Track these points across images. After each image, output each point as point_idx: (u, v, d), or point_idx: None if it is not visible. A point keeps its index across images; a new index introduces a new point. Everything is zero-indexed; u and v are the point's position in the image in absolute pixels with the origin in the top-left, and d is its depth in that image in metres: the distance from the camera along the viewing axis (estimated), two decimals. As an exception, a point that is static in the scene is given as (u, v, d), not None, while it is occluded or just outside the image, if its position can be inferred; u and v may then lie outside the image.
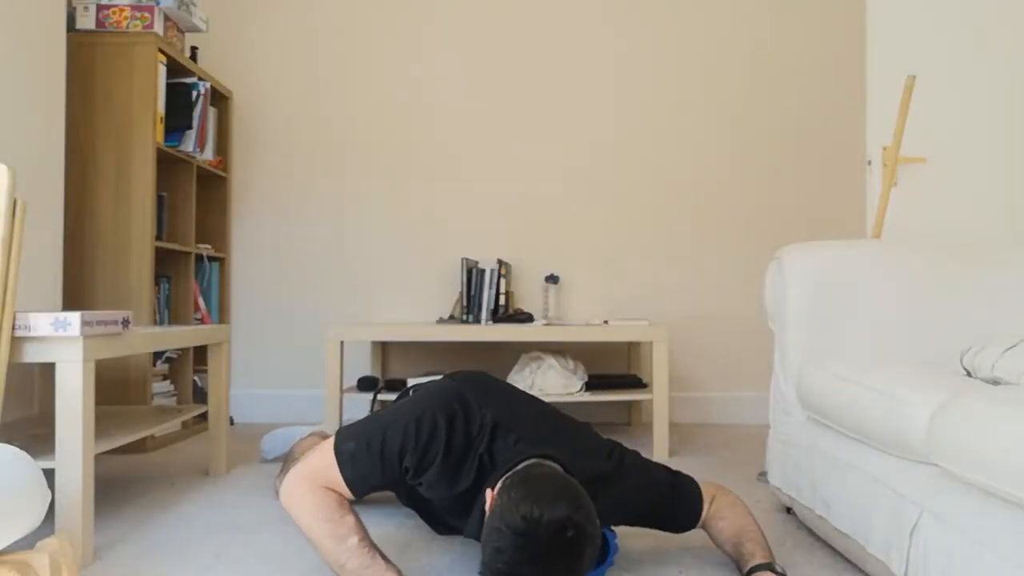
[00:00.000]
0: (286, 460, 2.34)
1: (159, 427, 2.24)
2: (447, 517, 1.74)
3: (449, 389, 1.63)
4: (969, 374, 1.68)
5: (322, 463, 1.56)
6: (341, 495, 1.54)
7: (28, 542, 1.36)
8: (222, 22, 3.64)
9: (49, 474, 1.48)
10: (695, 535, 1.74)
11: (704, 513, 1.70)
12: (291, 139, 3.70)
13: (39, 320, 1.66)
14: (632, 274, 3.67)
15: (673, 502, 1.70)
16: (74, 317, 1.67)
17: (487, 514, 1.39)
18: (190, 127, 3.12)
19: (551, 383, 3.07)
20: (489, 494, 1.44)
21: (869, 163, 3.62)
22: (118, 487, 2.35)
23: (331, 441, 1.59)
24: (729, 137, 3.68)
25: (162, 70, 2.96)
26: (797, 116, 3.68)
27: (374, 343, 3.58)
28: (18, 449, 1.33)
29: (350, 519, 1.51)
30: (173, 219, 3.20)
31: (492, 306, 3.40)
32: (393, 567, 1.48)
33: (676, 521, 1.71)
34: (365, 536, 1.51)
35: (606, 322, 3.28)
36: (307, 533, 1.53)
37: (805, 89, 3.68)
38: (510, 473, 1.45)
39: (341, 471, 1.54)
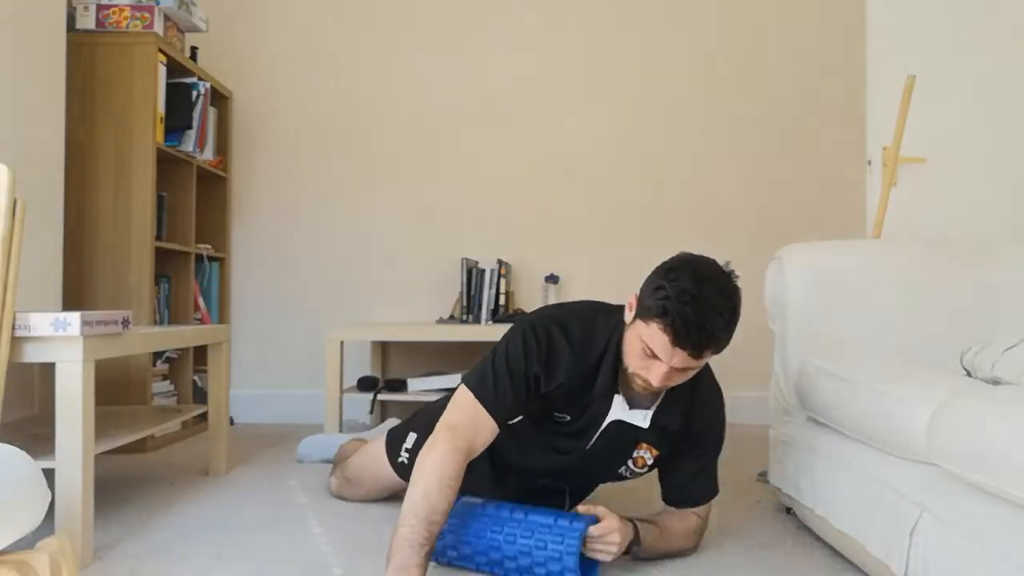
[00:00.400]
0: (336, 461, 2.35)
1: (159, 427, 2.24)
2: (569, 438, 1.73)
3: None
4: (969, 374, 1.68)
5: (461, 403, 1.62)
6: (468, 459, 1.57)
7: (28, 542, 1.36)
8: (222, 22, 3.64)
9: (49, 474, 1.47)
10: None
11: (696, 513, 1.78)
12: (291, 139, 3.70)
13: (39, 320, 1.66)
14: (632, 274, 3.65)
15: (703, 467, 1.77)
16: (74, 317, 1.67)
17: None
18: (190, 127, 3.12)
19: (551, 383, 3.06)
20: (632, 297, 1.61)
21: (869, 163, 3.62)
22: (118, 487, 2.35)
23: (462, 386, 1.64)
24: (729, 137, 3.68)
25: (162, 70, 2.96)
26: (797, 116, 3.67)
27: (374, 343, 3.58)
28: (18, 449, 1.33)
29: (451, 499, 1.52)
30: (173, 219, 3.20)
31: (492, 306, 3.40)
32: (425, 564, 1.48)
33: (688, 483, 1.77)
34: (442, 522, 1.51)
35: (606, 322, 3.27)
36: (415, 477, 1.53)
37: (805, 89, 3.67)
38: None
39: (478, 398, 1.60)
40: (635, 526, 1.63)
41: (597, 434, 1.69)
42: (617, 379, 1.65)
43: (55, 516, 1.66)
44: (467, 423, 1.59)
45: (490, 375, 1.62)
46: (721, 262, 1.60)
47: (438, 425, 1.61)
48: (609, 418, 1.67)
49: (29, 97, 2.44)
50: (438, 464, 1.52)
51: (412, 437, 2.00)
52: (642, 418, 1.66)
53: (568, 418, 1.70)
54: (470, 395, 1.62)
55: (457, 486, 1.54)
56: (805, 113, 3.67)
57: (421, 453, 1.58)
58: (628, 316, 1.61)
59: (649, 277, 1.59)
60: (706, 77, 3.69)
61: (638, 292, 1.60)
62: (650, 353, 1.53)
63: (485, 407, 1.60)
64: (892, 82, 3.30)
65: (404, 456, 2.00)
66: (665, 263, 1.58)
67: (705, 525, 1.80)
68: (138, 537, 1.88)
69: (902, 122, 2.78)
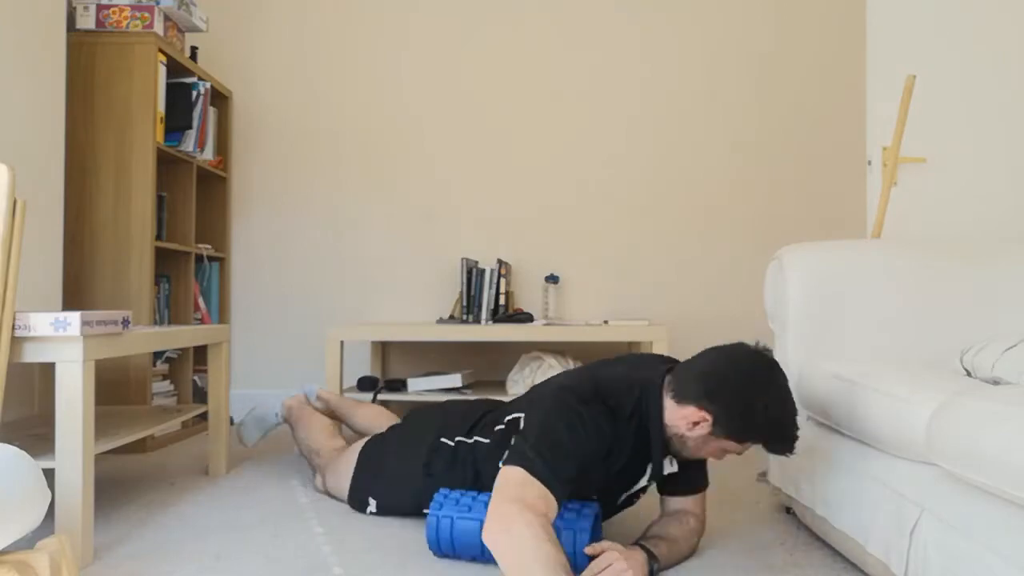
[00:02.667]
0: (311, 462, 2.36)
1: (159, 427, 2.24)
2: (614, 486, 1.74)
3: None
4: (969, 374, 1.68)
5: (520, 480, 1.47)
6: (547, 517, 1.43)
7: (28, 542, 1.36)
8: (222, 22, 3.64)
9: (49, 474, 1.48)
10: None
11: (692, 512, 1.79)
12: (291, 139, 3.70)
13: (39, 320, 1.66)
14: (632, 274, 3.67)
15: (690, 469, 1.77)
16: (74, 317, 1.67)
17: (715, 412, 1.54)
18: (190, 127, 3.12)
19: (551, 383, 3.06)
20: (686, 411, 1.57)
21: (869, 163, 3.62)
22: (118, 487, 2.35)
23: (518, 471, 1.48)
24: (729, 137, 3.68)
25: (162, 70, 2.96)
26: (797, 116, 3.67)
27: (374, 343, 3.58)
28: (18, 449, 1.33)
29: (558, 551, 1.37)
30: (173, 219, 3.20)
31: (492, 306, 3.40)
32: None
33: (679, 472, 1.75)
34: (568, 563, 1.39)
35: (606, 322, 3.28)
36: (518, 566, 1.36)
37: (805, 89, 3.67)
38: (688, 373, 1.61)
39: (539, 478, 1.46)
40: (646, 549, 1.62)
41: (644, 477, 1.72)
42: (666, 446, 1.64)
43: (55, 516, 1.67)
44: (537, 494, 1.44)
45: (547, 455, 1.49)
46: (751, 343, 1.62)
47: (502, 501, 1.43)
48: (663, 471, 1.69)
49: (29, 97, 2.44)
50: (530, 547, 1.35)
51: (373, 503, 2.06)
52: (669, 464, 1.70)
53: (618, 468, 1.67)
54: (526, 475, 1.47)
55: (553, 533, 1.41)
56: (805, 113, 3.67)
57: (500, 538, 1.39)
58: (694, 430, 1.57)
59: (722, 390, 1.54)
60: (706, 77, 3.69)
61: (703, 404, 1.54)
62: (733, 451, 1.61)
63: (548, 488, 1.46)
64: (892, 82, 3.30)
65: (372, 508, 2.06)
66: (734, 370, 1.56)
67: (703, 524, 1.81)
68: (138, 537, 1.88)
69: (902, 122, 2.78)
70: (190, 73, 3.19)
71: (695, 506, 1.81)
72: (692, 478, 1.80)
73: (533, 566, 1.33)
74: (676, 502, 1.81)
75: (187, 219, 3.22)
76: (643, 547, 1.63)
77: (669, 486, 1.81)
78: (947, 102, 3.48)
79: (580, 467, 1.52)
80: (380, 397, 3.16)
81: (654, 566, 1.61)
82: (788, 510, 2.10)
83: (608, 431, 1.57)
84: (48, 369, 2.40)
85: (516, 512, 1.39)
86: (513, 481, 1.46)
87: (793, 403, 1.58)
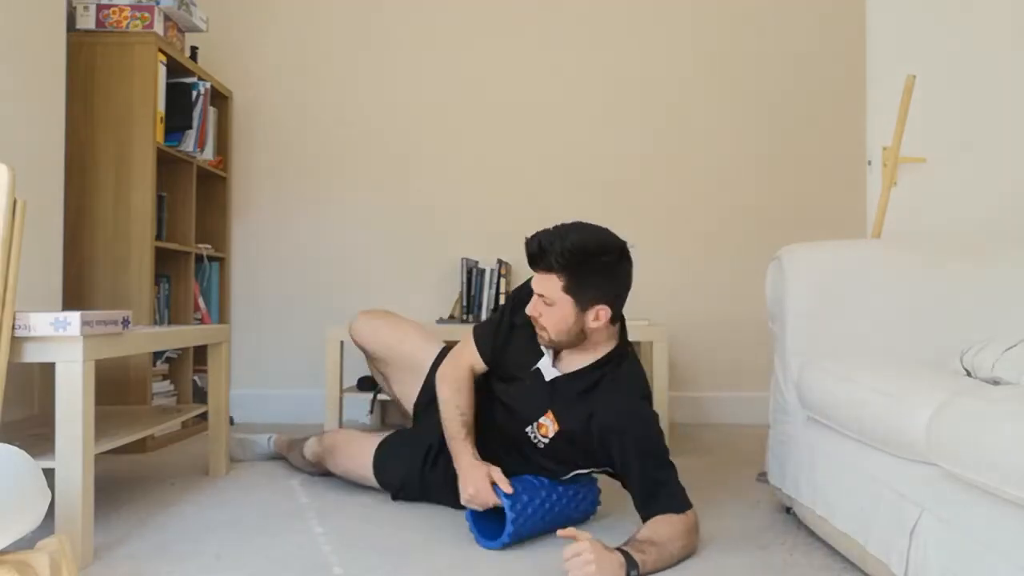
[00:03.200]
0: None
1: (159, 427, 2.24)
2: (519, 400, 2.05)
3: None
4: (969, 374, 1.68)
5: (462, 346, 2.13)
6: (472, 374, 2.07)
7: (28, 542, 1.36)
8: (222, 22, 3.64)
9: (49, 474, 1.47)
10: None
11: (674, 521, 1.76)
12: (291, 139, 3.70)
13: (39, 320, 1.66)
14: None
15: (656, 479, 1.81)
16: (74, 317, 1.67)
17: None
18: (190, 127, 3.12)
19: (551, 383, 3.06)
20: None
21: (869, 163, 3.62)
22: (118, 487, 2.35)
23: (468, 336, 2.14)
24: (729, 137, 3.68)
25: (162, 70, 2.96)
26: (798, 116, 3.67)
27: (374, 343, 3.57)
28: (18, 449, 1.33)
29: (467, 397, 2.02)
30: (173, 219, 3.19)
31: (492, 306, 3.40)
32: (471, 446, 1.94)
33: (648, 498, 1.80)
34: (468, 415, 2.00)
35: (606, 322, 3.27)
36: (439, 395, 2.05)
37: (805, 89, 3.67)
38: None
39: (473, 338, 2.11)
40: (625, 553, 1.59)
41: (525, 376, 2.00)
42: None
43: (55, 516, 1.66)
44: (461, 358, 2.09)
45: (483, 327, 2.14)
46: (629, 243, 2.03)
47: (448, 356, 2.14)
48: (535, 366, 1.99)
49: (29, 97, 2.44)
50: (451, 381, 2.04)
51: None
52: (550, 368, 1.97)
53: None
54: (471, 338, 2.13)
55: (470, 387, 2.04)
56: (805, 113, 3.67)
57: (438, 379, 2.08)
58: None
59: None
60: (706, 78, 3.69)
61: None
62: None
63: (475, 343, 2.10)
64: (892, 82, 3.30)
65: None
66: None
67: (695, 521, 1.78)
68: (138, 537, 1.88)
69: (902, 122, 2.78)
70: (190, 73, 3.19)
71: (682, 520, 1.77)
72: (664, 504, 1.77)
73: (442, 403, 2.06)
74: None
75: (187, 219, 3.22)
76: (624, 552, 1.59)
77: (643, 509, 1.79)
78: (947, 102, 3.48)
79: (494, 332, 2.10)
80: (380, 397, 3.15)
81: (632, 573, 1.58)
82: (788, 510, 2.10)
83: (509, 305, 2.11)
84: (48, 369, 2.39)
85: (448, 366, 2.10)
86: (461, 343, 2.14)
87: (568, 236, 1.91)
